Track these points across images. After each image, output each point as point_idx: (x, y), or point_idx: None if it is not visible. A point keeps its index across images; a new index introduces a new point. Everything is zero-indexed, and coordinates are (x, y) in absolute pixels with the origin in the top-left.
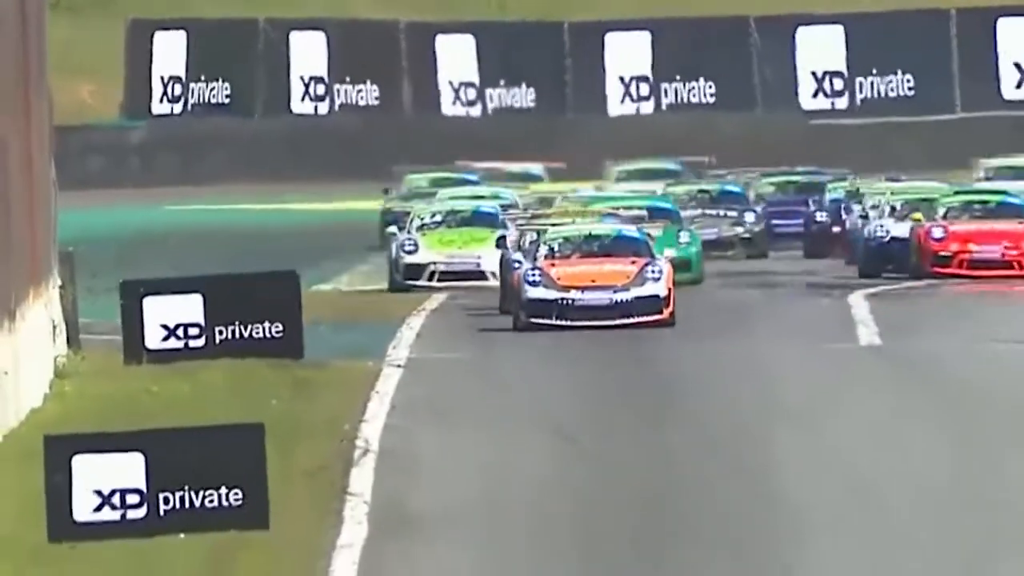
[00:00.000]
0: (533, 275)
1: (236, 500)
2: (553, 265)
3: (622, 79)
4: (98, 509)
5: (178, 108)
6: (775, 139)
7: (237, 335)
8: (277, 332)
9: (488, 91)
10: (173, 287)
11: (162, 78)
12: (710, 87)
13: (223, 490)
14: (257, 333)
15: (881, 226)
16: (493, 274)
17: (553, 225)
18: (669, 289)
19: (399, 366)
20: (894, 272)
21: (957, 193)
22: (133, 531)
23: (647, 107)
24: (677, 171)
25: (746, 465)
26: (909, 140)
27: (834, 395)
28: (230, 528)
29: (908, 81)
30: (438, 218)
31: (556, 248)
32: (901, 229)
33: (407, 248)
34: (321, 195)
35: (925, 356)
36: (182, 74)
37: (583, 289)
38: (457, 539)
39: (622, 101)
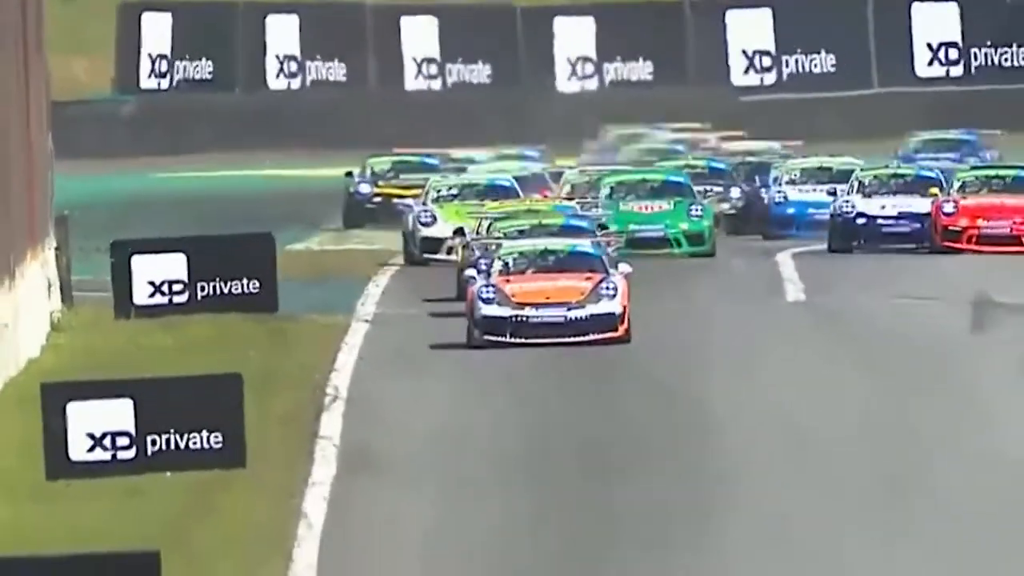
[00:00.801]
0: (487, 291)
1: (216, 442)
2: (508, 281)
3: (569, 59)
4: (91, 450)
5: (165, 84)
6: (709, 113)
7: (218, 291)
8: (254, 288)
9: (448, 66)
10: (159, 247)
11: (150, 56)
12: (648, 66)
13: (205, 433)
14: (236, 289)
15: (847, 202)
16: None
17: (510, 226)
18: (624, 306)
19: (366, 321)
20: (864, 249)
21: (974, 168)
22: (123, 470)
23: (591, 84)
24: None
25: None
26: (832, 114)
27: (764, 343)
28: (212, 467)
29: (831, 59)
30: (454, 191)
31: (511, 263)
32: (867, 205)
33: (423, 220)
34: (295, 163)
35: (845, 310)
36: (168, 53)
37: (537, 306)
38: (416, 476)
39: (569, 79)
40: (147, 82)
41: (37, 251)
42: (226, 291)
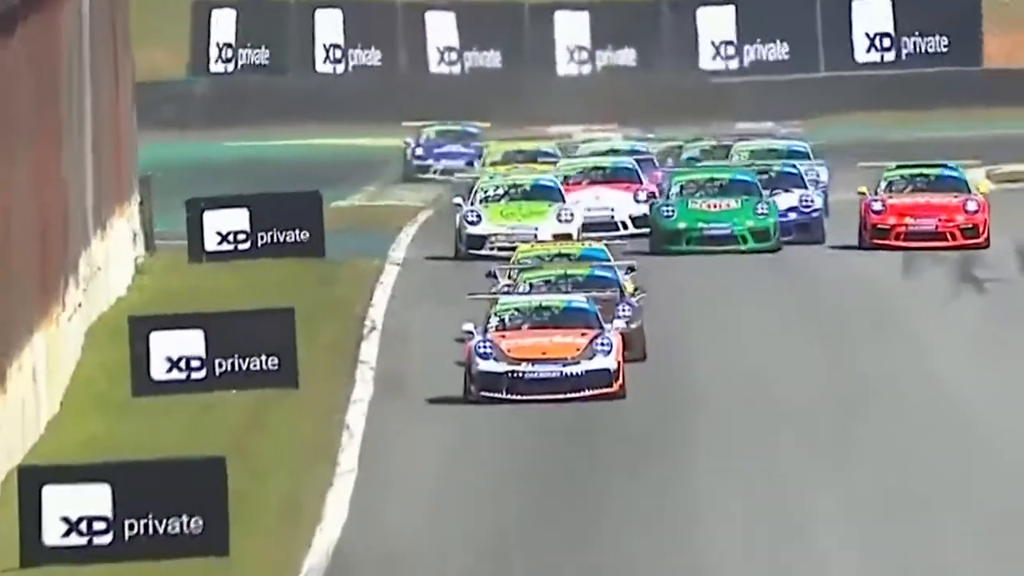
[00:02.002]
0: (484, 347)
1: (273, 365)
2: (504, 337)
3: (567, 47)
4: (169, 371)
5: (230, 68)
6: (682, 94)
7: (275, 240)
8: (305, 237)
9: (466, 54)
10: (226, 203)
11: (218, 44)
12: (630, 53)
13: (263, 357)
14: (290, 238)
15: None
16: None
17: (536, 276)
18: (619, 362)
19: (397, 264)
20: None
21: (899, 167)
22: (196, 388)
23: (586, 69)
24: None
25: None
26: (786, 95)
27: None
28: (266, 387)
29: (784, 47)
30: (500, 191)
31: (507, 319)
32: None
33: (470, 219)
34: (338, 134)
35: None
36: (233, 42)
37: (533, 362)
38: (439, 392)
39: (567, 64)
40: (215, 67)
41: (124, 207)
42: (282, 240)
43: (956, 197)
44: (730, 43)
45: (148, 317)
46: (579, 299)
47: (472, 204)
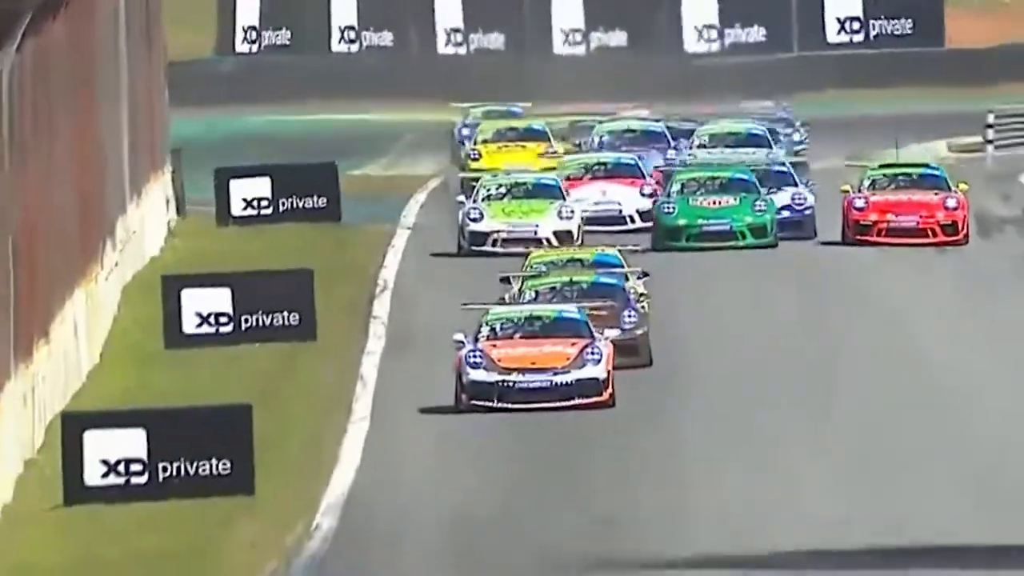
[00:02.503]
0: (474, 356)
1: (293, 320)
2: (494, 346)
3: (563, 30)
4: (199, 326)
5: (254, 48)
6: (668, 74)
7: (295, 205)
8: (323, 203)
9: (471, 35)
10: (250, 172)
11: (243, 27)
12: (623, 36)
13: (285, 313)
14: (309, 204)
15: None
16: (548, 240)
17: (540, 283)
18: (609, 371)
19: (408, 228)
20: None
21: (882, 166)
22: (224, 341)
23: (580, 50)
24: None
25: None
26: (764, 73)
27: None
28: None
29: (762, 31)
30: (502, 190)
31: (498, 329)
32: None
33: (472, 216)
34: (353, 110)
35: None
36: (257, 24)
37: (523, 371)
38: (445, 346)
39: (563, 45)
40: (240, 47)
41: (158, 175)
42: (301, 206)
43: (937, 195)
44: (712, 27)
45: (179, 276)
46: (570, 309)
47: (475, 202)
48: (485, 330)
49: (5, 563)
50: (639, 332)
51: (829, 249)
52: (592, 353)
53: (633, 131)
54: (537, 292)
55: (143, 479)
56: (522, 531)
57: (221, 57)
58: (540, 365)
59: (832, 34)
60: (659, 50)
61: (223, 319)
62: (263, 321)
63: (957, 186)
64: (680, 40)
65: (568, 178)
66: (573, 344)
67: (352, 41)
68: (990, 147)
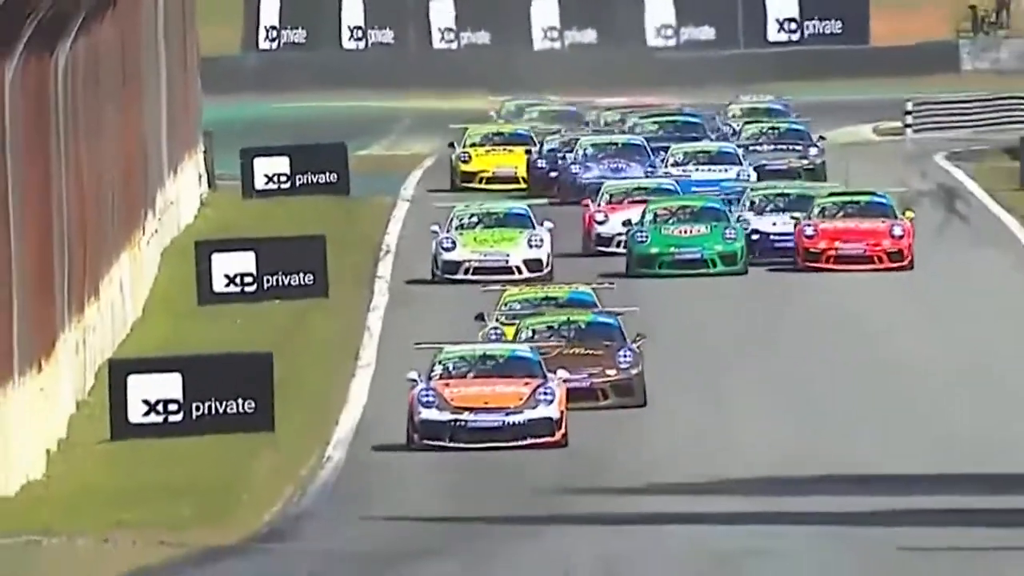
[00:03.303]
0: (426, 396)
1: (309, 280)
2: (447, 385)
3: (541, 27)
4: (227, 285)
5: (275, 46)
6: (631, 66)
7: (310, 180)
8: (334, 179)
9: (462, 33)
10: (272, 152)
11: (265, 27)
12: (593, 33)
13: (301, 274)
14: (322, 179)
15: (743, 218)
16: (518, 268)
17: (539, 322)
18: (562, 412)
19: (407, 201)
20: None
21: (831, 194)
22: (249, 298)
23: (556, 45)
24: (781, 110)
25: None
26: (713, 66)
27: None
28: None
29: (712, 29)
30: (474, 219)
31: (451, 367)
32: (761, 223)
33: (445, 246)
34: (360, 99)
35: None
36: (277, 24)
37: (476, 410)
38: (441, 301)
39: (542, 41)
40: (263, 44)
41: (192, 154)
42: (315, 181)
43: (883, 222)
44: (670, 26)
45: (210, 241)
46: (523, 348)
47: (448, 231)
48: (438, 369)
49: (66, 487)
50: (634, 372)
51: (797, 275)
52: (545, 393)
53: (615, 144)
54: (534, 331)
55: (178, 417)
56: (507, 462)
57: (246, 53)
58: (492, 404)
59: (772, 33)
60: (624, 46)
61: (248, 279)
62: (282, 281)
63: (903, 213)
64: (643, 37)
65: (611, 200)
66: (526, 384)
67: (359, 39)
68: (909, 131)
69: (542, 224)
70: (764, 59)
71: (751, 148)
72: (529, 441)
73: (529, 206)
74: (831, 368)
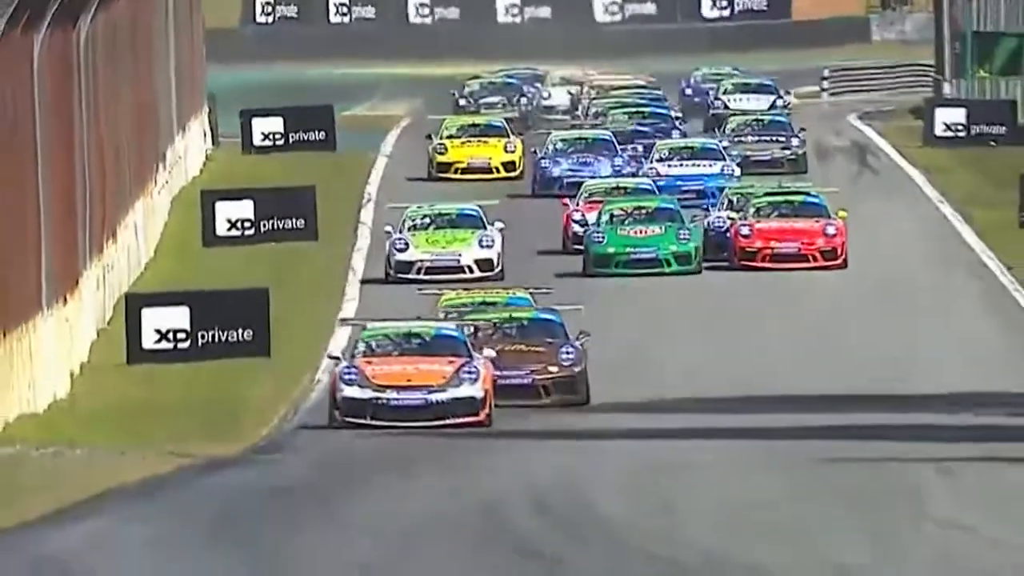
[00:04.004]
0: (348, 373)
1: (300, 225)
2: (369, 363)
3: (504, 5)
4: (228, 230)
5: (270, 20)
6: (579, 40)
7: (303, 139)
8: (322, 136)
9: (436, 9)
10: (267, 112)
11: (262, 3)
12: (548, 9)
13: (293, 219)
14: (312, 137)
15: (719, 218)
16: (470, 268)
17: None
18: (486, 391)
19: (386, 156)
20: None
21: (767, 194)
22: (248, 241)
23: (517, 20)
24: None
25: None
26: (654, 39)
27: None
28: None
29: (653, 5)
30: (427, 220)
31: (375, 345)
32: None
33: (398, 247)
34: (345, 66)
35: None
36: (272, 1)
37: (398, 389)
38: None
39: (504, 15)
40: (260, 18)
41: (198, 114)
42: (306, 138)
43: (817, 222)
44: (616, 3)
45: (214, 191)
46: (449, 327)
47: (400, 232)
48: (361, 346)
49: (88, 405)
50: (577, 369)
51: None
52: (469, 372)
53: (584, 139)
54: (476, 329)
55: (186, 344)
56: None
57: (245, 26)
58: (415, 383)
59: (707, 10)
60: (576, 21)
61: (247, 224)
62: (277, 225)
63: (836, 213)
64: (592, 13)
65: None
66: (450, 363)
67: (344, 14)
68: (825, 94)
69: (493, 224)
70: (700, 33)
71: (736, 140)
72: (452, 420)
73: (480, 206)
74: (753, 301)
